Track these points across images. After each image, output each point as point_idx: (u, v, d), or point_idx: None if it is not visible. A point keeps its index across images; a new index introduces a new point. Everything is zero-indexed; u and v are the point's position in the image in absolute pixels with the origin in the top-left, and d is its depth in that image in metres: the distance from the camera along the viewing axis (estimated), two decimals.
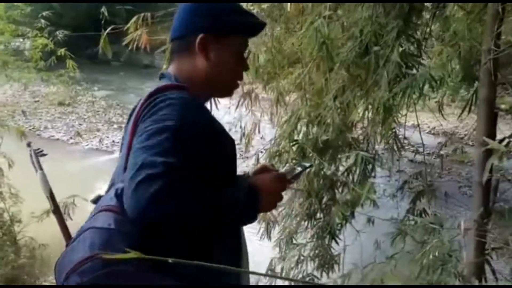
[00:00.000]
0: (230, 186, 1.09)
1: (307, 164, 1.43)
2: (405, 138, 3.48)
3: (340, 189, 2.69)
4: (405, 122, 2.80)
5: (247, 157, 3.32)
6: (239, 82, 1.31)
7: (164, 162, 0.94)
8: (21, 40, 5.49)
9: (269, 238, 3.06)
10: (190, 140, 1.03)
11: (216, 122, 1.15)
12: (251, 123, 3.20)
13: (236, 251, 1.20)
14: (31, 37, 4.56)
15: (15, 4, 4.86)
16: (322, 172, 2.60)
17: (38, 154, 1.47)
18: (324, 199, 2.65)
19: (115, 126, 10.06)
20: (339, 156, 2.59)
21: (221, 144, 1.14)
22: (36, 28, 4.54)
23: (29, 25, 4.63)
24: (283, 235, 2.91)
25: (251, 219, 1.10)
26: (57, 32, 4.51)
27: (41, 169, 1.40)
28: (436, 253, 1.86)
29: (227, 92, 1.31)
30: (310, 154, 2.59)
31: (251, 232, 3.37)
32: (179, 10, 1.26)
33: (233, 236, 1.20)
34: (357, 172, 2.61)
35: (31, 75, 4.73)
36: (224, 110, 3.28)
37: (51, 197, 1.32)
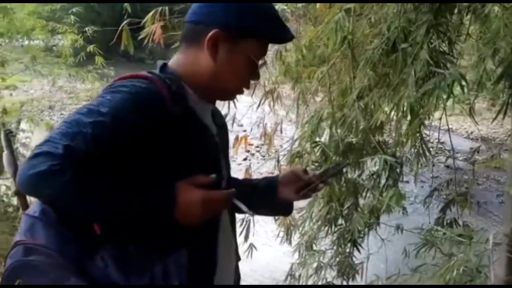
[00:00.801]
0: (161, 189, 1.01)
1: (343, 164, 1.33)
2: (439, 142, 3.30)
3: (363, 195, 2.56)
4: (440, 126, 2.63)
5: (267, 158, 3.22)
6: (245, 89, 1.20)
7: (67, 146, 0.90)
8: (59, 37, 5.53)
9: (290, 243, 2.95)
10: (117, 132, 0.96)
11: (170, 121, 1.03)
12: (273, 122, 3.09)
13: (208, 266, 1.12)
14: (61, 33, 4.60)
15: None
16: (345, 176, 2.47)
17: (9, 135, 1.43)
18: (346, 205, 2.52)
19: None
20: (363, 159, 2.45)
21: (160, 145, 1.02)
22: (66, 24, 4.57)
23: (59, 21, 4.66)
24: (302, 240, 2.80)
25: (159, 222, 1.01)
26: (86, 28, 4.52)
27: (8, 149, 1.36)
28: (463, 268, 1.70)
29: (228, 97, 1.22)
30: (333, 158, 2.47)
31: (271, 236, 3.28)
32: None
33: (206, 249, 1.12)
34: (382, 177, 2.48)
35: (60, 71, 4.77)
36: (246, 108, 3.21)
37: (15, 177, 1.26)
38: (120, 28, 2.19)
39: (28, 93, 10.62)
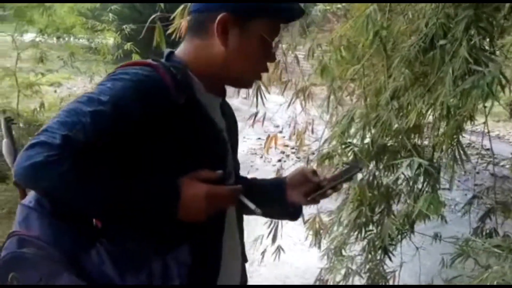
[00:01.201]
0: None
1: (358, 167, 1.24)
2: (483, 148, 3.11)
3: (396, 200, 2.44)
4: (486, 131, 2.47)
5: (303, 159, 3.13)
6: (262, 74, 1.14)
7: (65, 136, 0.86)
8: (101, 36, 5.62)
9: (319, 246, 2.86)
10: (117, 121, 0.91)
11: (173, 111, 0.99)
12: (305, 122, 3.01)
13: (212, 265, 1.07)
14: (100, 30, 4.68)
15: None
16: (376, 180, 2.36)
17: (10, 122, 1.42)
18: (377, 210, 2.41)
19: None
20: (397, 163, 2.33)
21: (163, 136, 0.98)
22: (105, 22, 4.64)
23: (98, 19, 4.74)
24: (332, 244, 2.70)
25: (162, 218, 0.96)
26: (124, 26, 4.57)
27: (8, 137, 1.34)
28: (499, 281, 1.57)
29: (244, 84, 1.16)
30: (365, 160, 2.36)
31: (297, 238, 3.20)
32: None
33: (209, 246, 1.07)
34: (418, 182, 2.35)
35: (98, 68, 4.85)
36: (276, 108, 3.14)
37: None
38: (147, 23, 2.15)
39: (71, 90, 10.92)
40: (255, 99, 2.54)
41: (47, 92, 7.30)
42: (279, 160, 8.07)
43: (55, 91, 8.25)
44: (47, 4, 4.17)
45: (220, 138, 1.11)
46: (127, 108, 0.92)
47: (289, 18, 1.14)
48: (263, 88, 2.41)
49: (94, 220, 0.97)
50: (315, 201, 1.25)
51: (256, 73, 1.12)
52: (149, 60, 1.02)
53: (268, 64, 1.13)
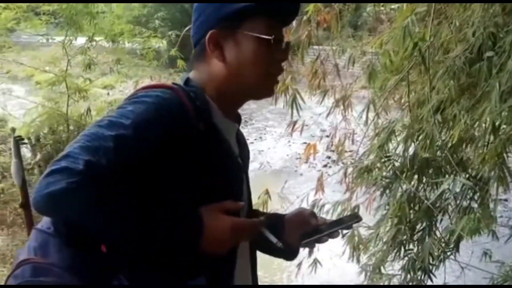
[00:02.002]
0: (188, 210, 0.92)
1: (359, 217, 1.17)
2: None
3: (439, 218, 2.31)
4: None
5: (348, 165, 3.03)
6: (278, 77, 1.07)
7: (88, 161, 0.82)
8: (161, 42, 5.68)
9: (358, 261, 2.76)
10: (140, 146, 0.88)
11: (194, 136, 0.94)
12: (345, 131, 2.91)
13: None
14: (147, 36, 4.76)
15: (132, 4, 5.11)
16: (418, 196, 2.24)
17: (19, 142, 1.42)
18: (418, 228, 2.29)
19: None
20: (440, 179, 2.20)
21: (182, 160, 0.93)
22: (151, 28, 4.72)
23: (145, 25, 4.83)
24: (370, 261, 2.59)
25: (184, 252, 0.92)
26: (170, 33, 4.63)
27: (17, 157, 1.33)
28: None
29: (262, 91, 1.07)
30: (404, 174, 2.25)
31: (335, 252, 3.11)
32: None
33: (224, 276, 1.02)
34: (462, 198, 2.22)
35: (143, 73, 4.94)
36: (316, 117, 3.06)
37: (23, 188, 1.22)
38: (183, 31, 2.14)
39: (123, 93, 11.27)
40: (291, 104, 2.49)
41: (101, 95, 7.54)
42: (325, 166, 7.94)
43: (108, 94, 8.52)
44: (96, 12, 4.30)
45: (237, 164, 1.07)
46: (149, 132, 0.89)
47: (277, 12, 1.02)
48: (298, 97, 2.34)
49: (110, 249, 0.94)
50: (310, 246, 1.17)
51: (269, 77, 1.04)
52: (170, 83, 0.99)
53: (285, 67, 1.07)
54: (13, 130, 1.60)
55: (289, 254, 1.25)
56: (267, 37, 0.99)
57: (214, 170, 0.98)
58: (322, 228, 1.13)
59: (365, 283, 2.68)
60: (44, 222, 0.94)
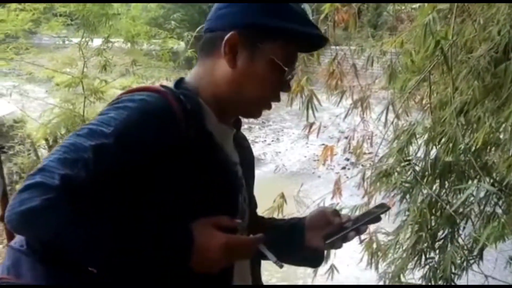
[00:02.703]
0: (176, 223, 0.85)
1: (386, 207, 1.08)
2: None
3: (462, 224, 2.21)
4: None
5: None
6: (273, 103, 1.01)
7: (65, 175, 0.76)
8: (178, 43, 5.64)
9: (376, 268, 2.67)
10: (122, 157, 0.81)
11: (183, 145, 0.87)
12: (363, 134, 2.83)
13: None
14: (163, 38, 4.74)
15: (149, 5, 5.10)
16: (440, 202, 2.14)
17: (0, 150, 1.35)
18: (440, 235, 2.19)
19: (245, 126, 10.18)
20: (463, 185, 2.11)
21: (170, 170, 0.86)
22: (167, 29, 4.70)
23: (161, 26, 4.81)
24: (389, 268, 2.50)
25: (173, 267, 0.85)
26: (185, 34, 4.60)
27: None
28: None
29: (251, 112, 1.01)
30: (425, 179, 2.16)
31: (352, 258, 3.04)
32: None
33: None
34: (486, 204, 2.12)
35: (160, 74, 4.92)
36: (333, 119, 2.98)
37: (2, 200, 1.16)
38: (195, 31, 2.09)
39: None
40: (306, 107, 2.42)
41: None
42: (343, 168, 7.83)
43: None
44: (112, 13, 4.30)
45: (233, 173, 0.99)
46: (132, 141, 0.82)
47: (306, 45, 1.00)
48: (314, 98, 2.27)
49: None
50: (335, 245, 1.07)
51: (265, 101, 0.99)
52: (158, 86, 0.92)
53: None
54: None
55: (313, 259, 1.18)
56: (284, 67, 0.94)
57: (207, 180, 0.91)
58: (347, 225, 1.05)
59: None
60: (18, 238, 0.88)
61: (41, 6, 4.05)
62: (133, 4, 4.96)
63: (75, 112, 4.40)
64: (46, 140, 5.10)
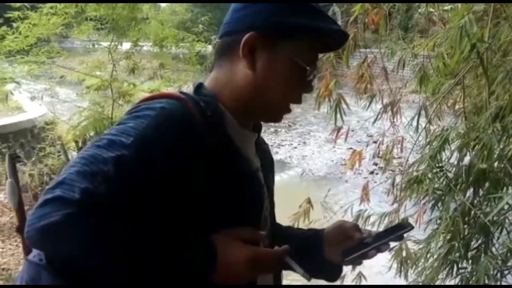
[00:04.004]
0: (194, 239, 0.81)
1: (410, 225, 1.03)
2: None
3: (497, 234, 2.12)
4: None
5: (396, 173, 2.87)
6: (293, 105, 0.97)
7: (85, 189, 0.73)
8: (205, 46, 5.69)
9: (405, 277, 2.60)
10: (144, 167, 0.78)
11: (204, 153, 0.84)
12: (393, 139, 2.76)
13: None
14: (190, 42, 4.77)
15: (177, 9, 5.13)
16: (474, 211, 2.06)
17: (15, 159, 1.34)
18: (473, 245, 2.11)
19: (272, 129, 10.13)
20: (498, 194, 2.03)
21: (192, 178, 0.83)
22: (194, 33, 4.73)
23: (188, 29, 4.84)
24: (420, 277, 2.43)
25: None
26: (213, 37, 4.62)
27: (13, 177, 1.25)
28: None
29: (272, 116, 0.98)
30: (458, 187, 2.09)
31: (381, 266, 2.97)
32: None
33: None
34: None
35: (187, 78, 4.96)
36: (361, 122, 2.92)
37: (19, 210, 1.14)
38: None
39: None
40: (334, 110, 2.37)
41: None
42: (371, 172, 7.70)
43: None
44: (141, 17, 4.36)
45: (256, 180, 0.97)
46: (153, 151, 0.80)
47: (327, 42, 0.96)
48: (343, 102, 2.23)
49: None
50: (355, 262, 1.04)
51: (286, 104, 0.96)
52: (177, 93, 0.90)
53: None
54: (9, 147, 1.55)
55: (330, 274, 1.14)
56: (306, 67, 0.91)
57: (230, 189, 0.88)
58: (368, 241, 1.00)
59: None
60: (36, 252, 0.85)
61: (72, 10, 4.13)
62: (161, 8, 5.02)
63: (103, 115, 4.47)
64: (76, 142, 5.20)
